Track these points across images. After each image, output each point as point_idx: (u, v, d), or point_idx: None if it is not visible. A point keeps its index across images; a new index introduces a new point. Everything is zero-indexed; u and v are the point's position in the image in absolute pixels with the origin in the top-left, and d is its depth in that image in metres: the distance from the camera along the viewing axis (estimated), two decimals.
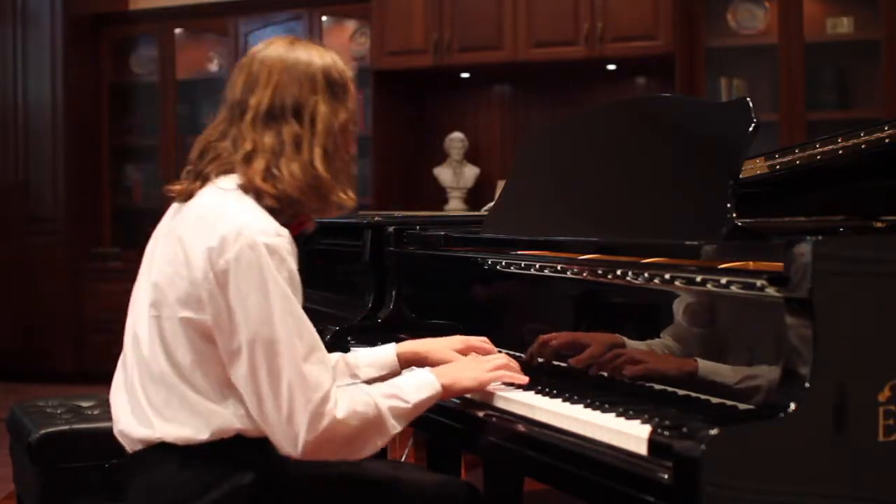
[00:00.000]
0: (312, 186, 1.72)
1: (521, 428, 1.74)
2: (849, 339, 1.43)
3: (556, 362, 1.94)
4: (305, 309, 1.67)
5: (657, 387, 1.71)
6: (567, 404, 1.71)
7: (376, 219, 2.65)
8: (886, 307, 1.47)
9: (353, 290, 2.72)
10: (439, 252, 2.44)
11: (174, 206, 1.81)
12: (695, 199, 1.83)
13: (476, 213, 3.34)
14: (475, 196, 5.59)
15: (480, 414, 1.83)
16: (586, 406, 1.68)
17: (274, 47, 1.79)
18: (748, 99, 1.81)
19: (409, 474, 1.89)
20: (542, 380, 1.87)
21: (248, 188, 1.70)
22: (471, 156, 5.70)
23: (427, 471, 1.93)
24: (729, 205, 1.71)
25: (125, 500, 1.77)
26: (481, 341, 2.01)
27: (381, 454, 2.10)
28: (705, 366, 1.63)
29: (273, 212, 1.69)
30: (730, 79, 5.06)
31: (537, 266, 1.97)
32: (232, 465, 1.67)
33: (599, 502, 1.62)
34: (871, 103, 4.80)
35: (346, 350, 2.34)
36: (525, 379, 1.85)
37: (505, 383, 1.87)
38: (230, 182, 1.72)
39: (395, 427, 1.70)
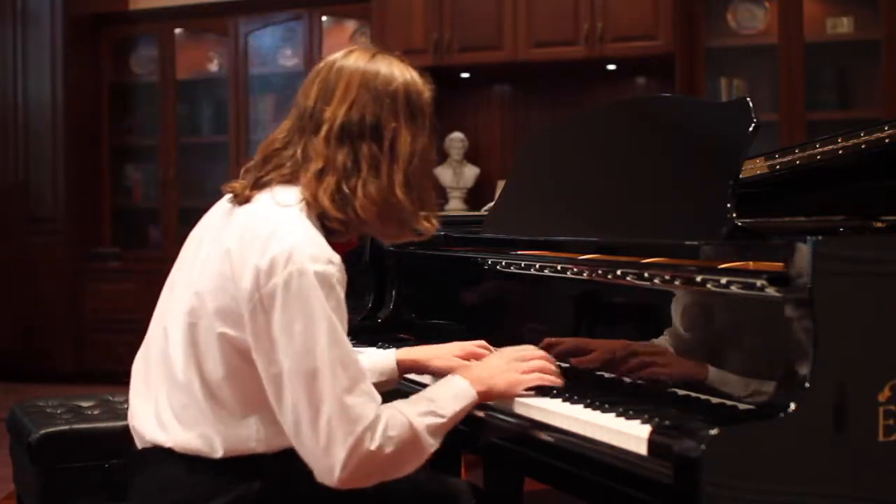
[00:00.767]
0: (389, 211, 1.66)
1: (521, 428, 1.74)
2: (849, 339, 1.43)
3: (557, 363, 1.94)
4: None
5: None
6: (567, 404, 1.71)
7: None
8: (886, 307, 1.47)
9: (353, 290, 2.72)
10: (439, 252, 2.44)
11: (226, 205, 1.73)
12: (695, 199, 1.83)
13: (476, 213, 3.34)
14: (475, 196, 5.59)
15: (480, 414, 1.83)
16: (586, 406, 1.68)
17: (354, 57, 1.71)
18: (748, 99, 1.81)
19: (412, 479, 1.86)
20: None
21: (311, 204, 1.63)
22: (471, 156, 5.70)
23: (430, 473, 1.90)
24: (729, 205, 1.71)
25: (130, 494, 1.76)
26: (479, 346, 1.99)
27: None
28: (711, 368, 1.63)
29: (333, 232, 1.64)
30: (730, 79, 5.06)
31: (537, 266, 1.97)
32: (240, 473, 1.64)
33: (599, 502, 1.62)
34: (871, 103, 4.81)
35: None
36: (560, 381, 1.79)
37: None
38: (291, 195, 1.65)
39: (433, 445, 1.63)
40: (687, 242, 1.75)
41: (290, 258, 1.54)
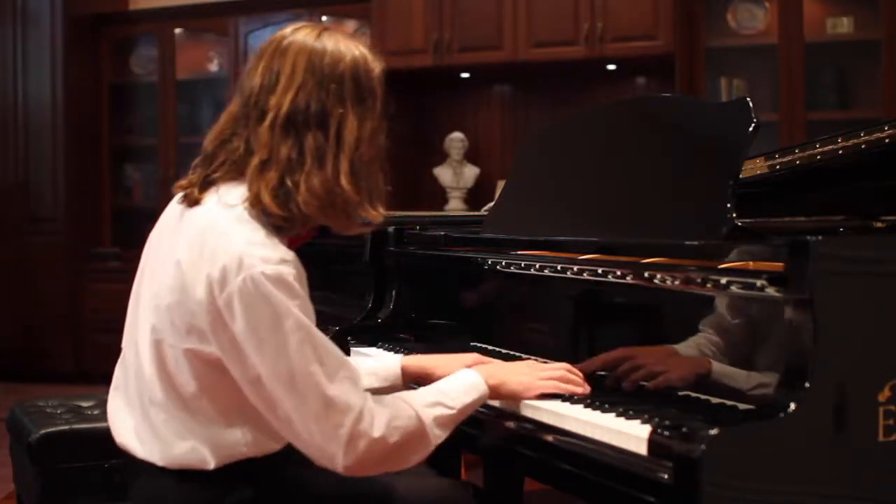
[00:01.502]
0: (334, 204, 1.59)
1: (521, 428, 1.74)
2: (849, 339, 1.43)
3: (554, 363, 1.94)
4: None
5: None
6: (567, 404, 1.71)
7: None
8: (886, 307, 1.47)
9: (353, 290, 2.72)
10: (439, 252, 2.44)
11: (178, 207, 1.69)
12: (695, 199, 1.83)
13: (476, 213, 3.34)
14: (475, 196, 5.59)
15: (481, 414, 1.83)
16: (586, 406, 1.68)
17: (300, 35, 1.64)
18: (748, 99, 1.81)
19: (410, 481, 1.82)
20: None
21: (255, 203, 1.57)
22: (471, 156, 5.70)
23: (429, 475, 1.89)
24: (729, 205, 1.71)
25: (129, 495, 1.75)
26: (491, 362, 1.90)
27: None
28: (716, 367, 1.63)
29: (280, 229, 1.58)
30: (730, 79, 5.06)
31: (537, 266, 1.97)
32: (233, 481, 1.62)
33: (599, 502, 1.62)
34: (871, 103, 4.80)
35: (346, 351, 2.34)
36: (585, 390, 1.75)
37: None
38: (235, 195, 1.59)
39: (439, 437, 1.61)
40: (687, 242, 1.75)
41: (241, 264, 1.50)
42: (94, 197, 6.43)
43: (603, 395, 1.72)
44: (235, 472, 1.62)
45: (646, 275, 1.71)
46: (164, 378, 1.61)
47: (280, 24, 6.41)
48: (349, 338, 2.42)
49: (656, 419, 1.53)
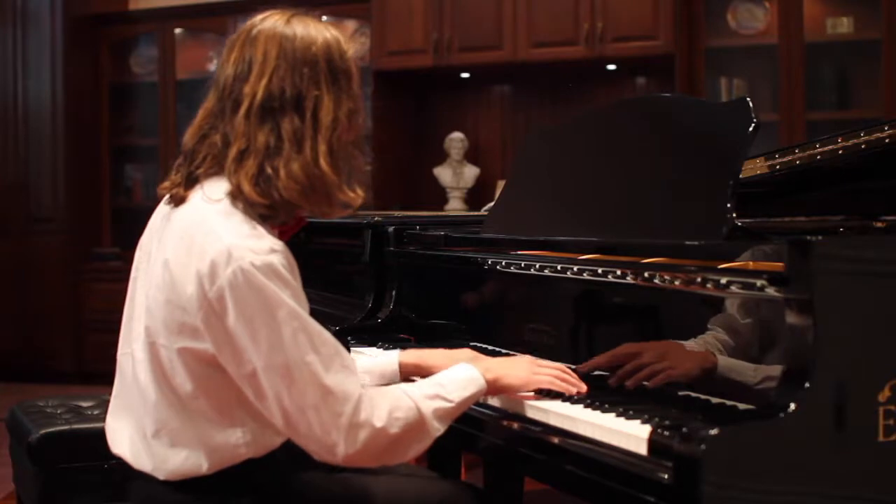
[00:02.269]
0: (315, 188, 1.57)
1: (521, 428, 1.74)
2: (849, 338, 1.43)
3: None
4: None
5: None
6: (567, 404, 1.71)
7: (376, 219, 2.65)
8: (886, 307, 1.47)
9: (353, 290, 2.72)
10: (439, 252, 2.44)
11: (165, 209, 1.69)
12: (695, 199, 1.83)
13: (476, 213, 3.34)
14: (475, 196, 5.59)
15: (481, 414, 1.83)
16: (586, 406, 1.68)
17: (269, 22, 1.63)
18: (748, 99, 1.81)
19: (414, 484, 1.82)
20: None
21: (237, 195, 1.56)
22: (471, 156, 5.70)
23: (431, 478, 1.89)
24: (729, 205, 1.71)
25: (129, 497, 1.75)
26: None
27: None
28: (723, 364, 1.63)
29: (266, 217, 1.58)
30: (730, 79, 5.06)
31: (537, 266, 1.97)
32: (231, 487, 1.61)
33: (599, 502, 1.62)
34: (871, 103, 4.81)
35: (346, 351, 2.34)
36: (580, 389, 1.75)
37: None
38: (218, 189, 1.58)
39: (438, 430, 1.61)
40: (687, 242, 1.75)
41: (230, 257, 1.48)
42: (94, 197, 6.43)
43: (603, 395, 1.72)
44: (234, 480, 1.61)
45: (646, 275, 1.71)
46: (160, 381, 1.60)
47: None
48: (349, 338, 2.42)
49: (656, 419, 1.53)
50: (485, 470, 2.75)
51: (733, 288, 1.54)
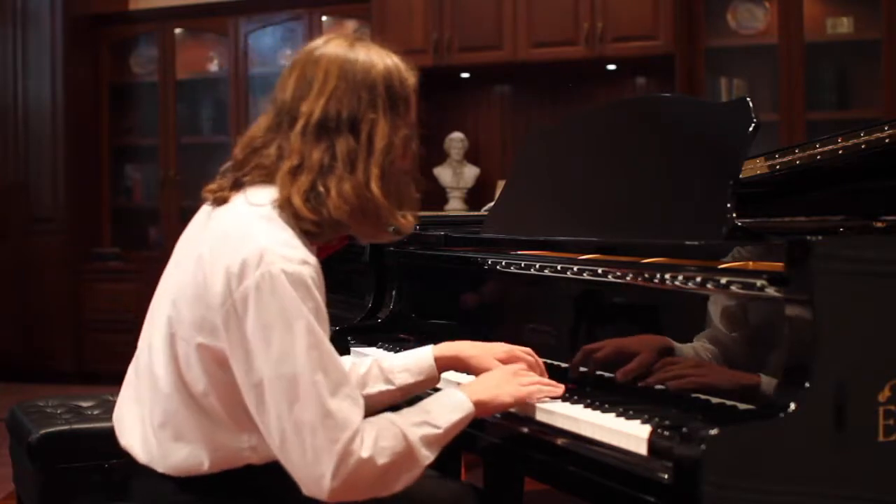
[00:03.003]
0: (365, 210, 1.58)
1: (521, 428, 1.74)
2: (849, 339, 1.43)
3: (555, 362, 1.93)
4: None
5: (657, 387, 1.71)
6: (567, 404, 1.71)
7: None
8: (886, 307, 1.47)
9: (353, 290, 2.72)
10: (439, 252, 2.44)
11: (206, 209, 1.69)
12: (695, 199, 1.83)
13: (476, 213, 3.34)
14: (475, 196, 5.59)
15: None
16: (586, 406, 1.68)
17: (332, 46, 1.64)
18: (748, 99, 1.81)
19: (417, 483, 1.81)
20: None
21: (284, 206, 1.56)
22: (471, 156, 5.70)
23: (431, 478, 1.87)
24: (729, 205, 1.71)
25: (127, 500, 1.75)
26: (525, 352, 1.87)
27: None
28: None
29: (309, 234, 1.58)
30: (730, 79, 5.06)
31: (537, 266, 1.97)
32: (233, 489, 1.61)
33: (599, 502, 1.62)
34: (871, 103, 4.81)
35: (346, 350, 2.34)
36: (560, 389, 1.75)
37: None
38: (264, 196, 1.59)
39: (427, 457, 1.57)
40: (687, 242, 1.75)
41: (262, 259, 1.48)
42: (94, 197, 6.43)
43: (603, 395, 1.72)
44: (236, 482, 1.60)
45: (646, 275, 1.71)
46: (174, 374, 1.59)
47: (280, 24, 6.37)
48: (349, 338, 2.42)
49: (656, 419, 1.53)
50: (485, 470, 2.75)
51: (733, 288, 1.54)
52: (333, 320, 2.51)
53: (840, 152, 1.98)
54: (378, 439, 1.51)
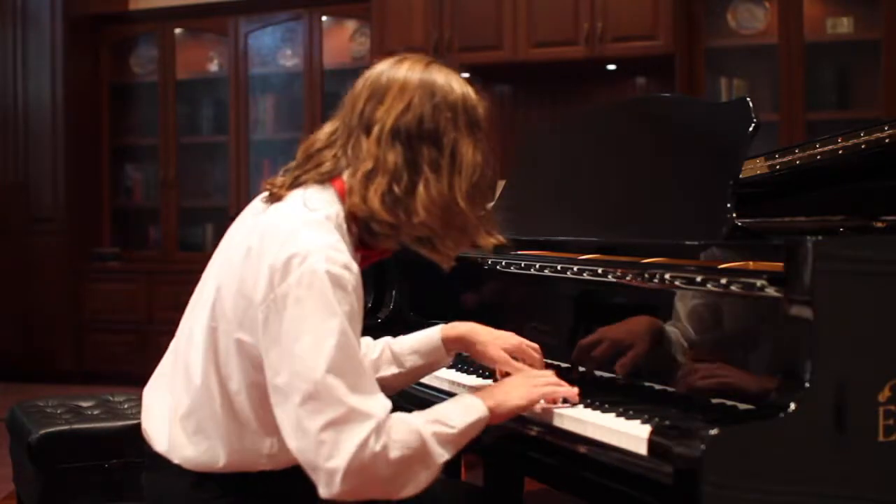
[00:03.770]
0: (452, 221, 1.60)
1: (520, 428, 1.74)
2: (849, 339, 1.43)
3: (555, 362, 1.94)
4: None
5: (657, 387, 1.71)
6: (567, 404, 1.70)
7: None
8: (886, 307, 1.47)
9: None
10: None
11: (260, 204, 1.69)
12: (695, 199, 1.83)
13: None
14: None
15: None
16: (586, 406, 1.68)
17: (406, 66, 1.66)
18: (748, 99, 1.81)
19: None
20: None
21: (359, 208, 1.58)
22: None
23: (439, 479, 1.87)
24: (729, 205, 1.71)
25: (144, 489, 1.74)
26: (531, 347, 1.88)
27: None
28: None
29: (374, 235, 1.61)
30: (730, 79, 5.06)
31: (537, 266, 1.97)
32: (246, 493, 1.61)
33: (599, 502, 1.62)
34: (871, 103, 4.81)
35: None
36: (575, 391, 1.73)
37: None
38: (321, 196, 1.60)
39: (442, 455, 1.55)
40: (687, 242, 1.75)
41: (306, 258, 1.50)
42: (94, 197, 6.43)
43: (603, 395, 1.72)
44: (249, 484, 1.61)
45: (646, 275, 1.71)
46: (210, 367, 1.61)
47: (280, 24, 6.36)
48: None
49: (656, 419, 1.53)
50: (485, 470, 2.75)
51: (733, 288, 1.54)
52: None
53: (840, 152, 1.98)
54: (392, 433, 1.51)
